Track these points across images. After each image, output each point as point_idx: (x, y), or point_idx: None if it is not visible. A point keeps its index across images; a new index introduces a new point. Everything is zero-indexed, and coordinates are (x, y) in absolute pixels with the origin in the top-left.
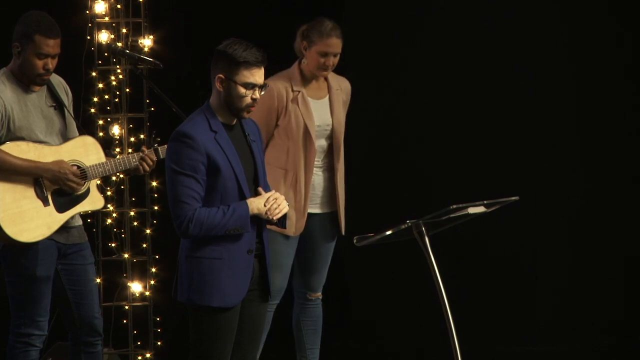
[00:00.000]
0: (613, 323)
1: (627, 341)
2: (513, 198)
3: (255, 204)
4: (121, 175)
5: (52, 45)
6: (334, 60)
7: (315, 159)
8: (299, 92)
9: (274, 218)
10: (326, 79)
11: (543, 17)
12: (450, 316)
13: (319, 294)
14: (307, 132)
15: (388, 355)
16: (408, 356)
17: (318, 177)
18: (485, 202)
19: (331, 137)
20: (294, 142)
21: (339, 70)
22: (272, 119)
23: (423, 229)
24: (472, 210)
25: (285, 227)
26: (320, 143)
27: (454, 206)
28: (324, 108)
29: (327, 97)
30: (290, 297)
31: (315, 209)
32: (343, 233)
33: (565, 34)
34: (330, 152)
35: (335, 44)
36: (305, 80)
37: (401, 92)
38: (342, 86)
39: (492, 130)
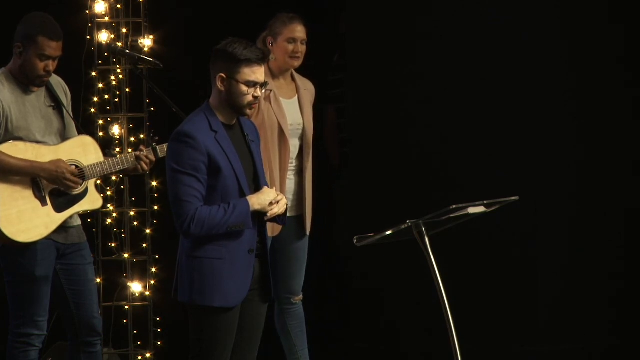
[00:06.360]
0: (613, 323)
1: (626, 341)
2: (513, 198)
3: (256, 200)
4: (121, 175)
5: (54, 48)
6: (302, 48)
7: (289, 160)
8: (271, 90)
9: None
10: (294, 79)
11: (543, 18)
12: (450, 316)
13: (301, 296)
14: (281, 131)
15: (389, 355)
16: (408, 356)
17: (290, 182)
18: (485, 202)
19: (302, 137)
20: (268, 141)
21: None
22: None
23: (423, 229)
24: (472, 210)
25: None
26: (294, 143)
27: (454, 206)
28: (294, 107)
29: (296, 96)
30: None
31: None
32: (307, 233)
33: (565, 35)
34: (301, 153)
35: (301, 29)
36: (275, 78)
37: (401, 93)
38: (308, 87)
39: (492, 130)
